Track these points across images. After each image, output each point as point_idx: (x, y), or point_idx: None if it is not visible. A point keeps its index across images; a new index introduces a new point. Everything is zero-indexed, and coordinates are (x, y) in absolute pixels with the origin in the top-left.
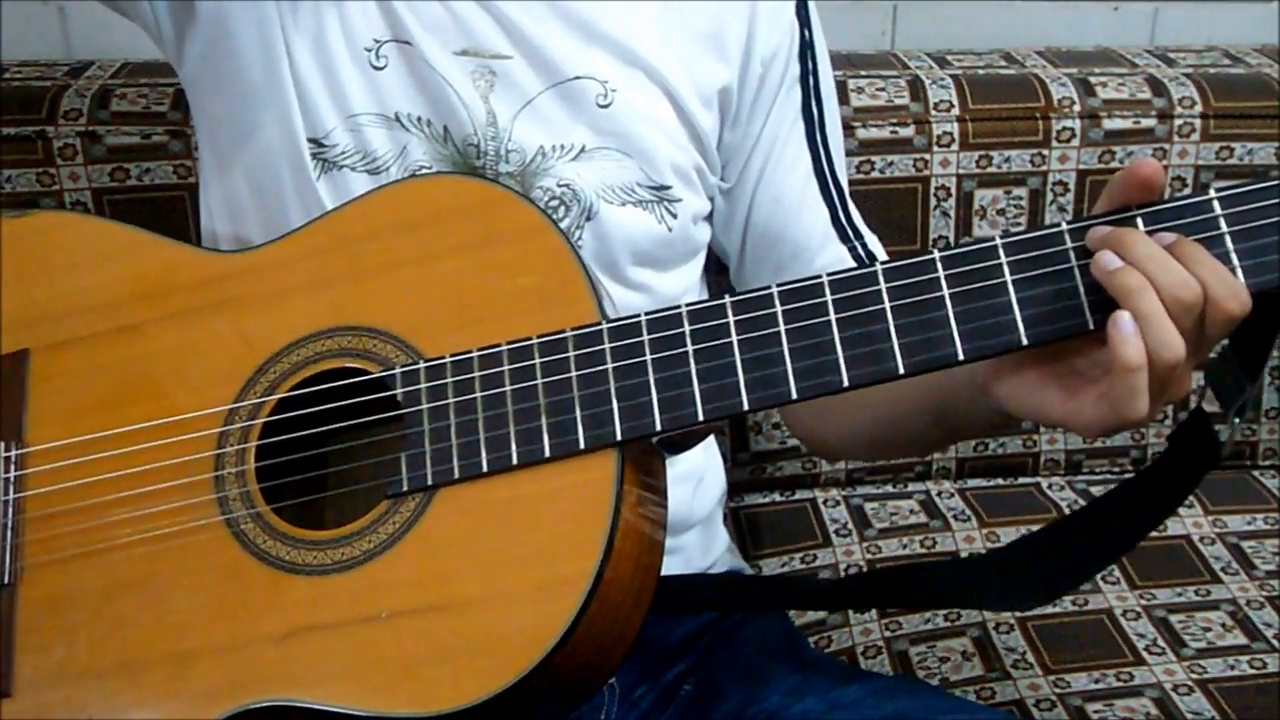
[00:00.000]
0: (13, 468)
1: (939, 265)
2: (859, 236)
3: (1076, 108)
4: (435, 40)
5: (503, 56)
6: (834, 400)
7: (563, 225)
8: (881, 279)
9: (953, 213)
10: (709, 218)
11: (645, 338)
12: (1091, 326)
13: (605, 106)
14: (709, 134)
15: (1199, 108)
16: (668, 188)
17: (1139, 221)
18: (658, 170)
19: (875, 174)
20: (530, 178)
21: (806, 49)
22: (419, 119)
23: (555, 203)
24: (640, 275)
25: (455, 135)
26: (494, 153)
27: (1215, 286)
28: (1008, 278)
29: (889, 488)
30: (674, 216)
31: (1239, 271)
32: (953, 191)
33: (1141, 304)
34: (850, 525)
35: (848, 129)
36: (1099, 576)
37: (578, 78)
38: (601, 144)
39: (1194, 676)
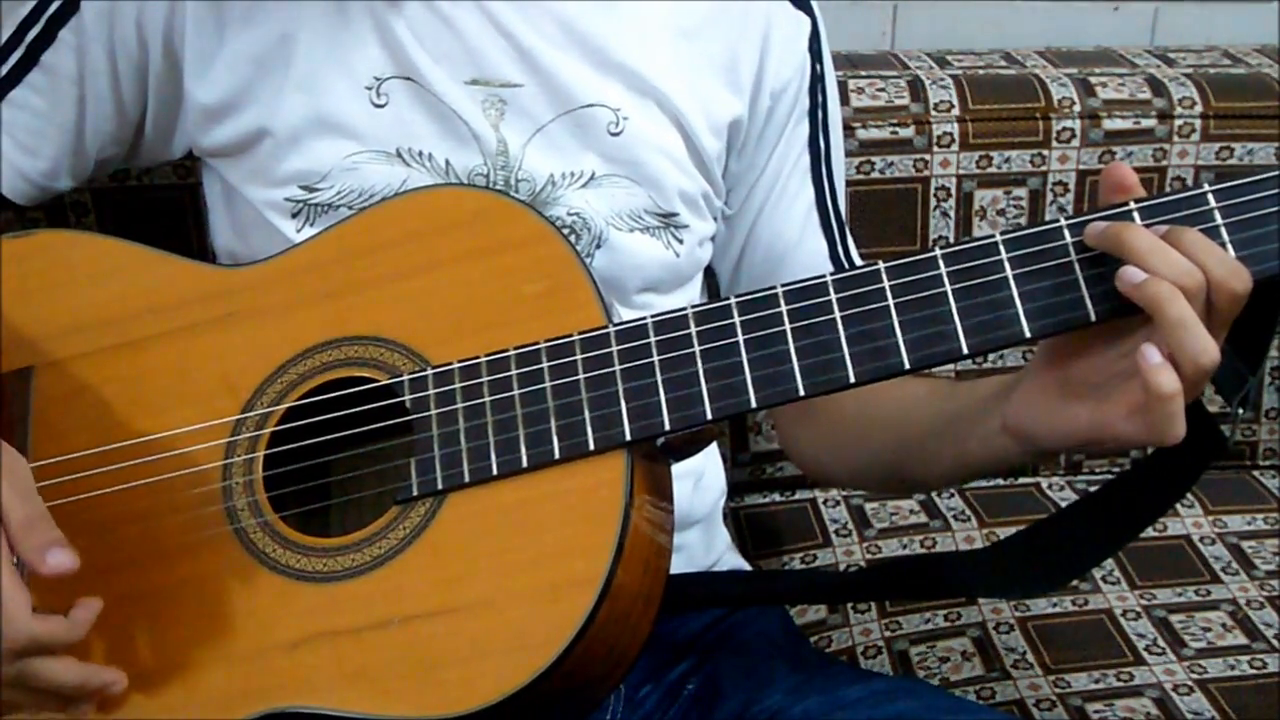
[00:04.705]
0: None
1: (941, 262)
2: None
3: (1076, 108)
4: (443, 71)
5: (513, 84)
6: (847, 431)
7: None
8: (885, 276)
9: (953, 213)
10: (712, 238)
11: (652, 339)
12: (1093, 318)
13: (616, 134)
14: (717, 162)
15: (1199, 108)
16: (675, 215)
17: (1135, 216)
18: (666, 198)
19: (875, 174)
20: (540, 207)
21: (817, 82)
22: (420, 153)
23: (566, 231)
24: (645, 299)
25: (459, 167)
26: (503, 182)
27: (1215, 269)
28: (1009, 272)
29: None
30: (680, 242)
31: None
32: (953, 192)
33: (1174, 311)
34: (850, 525)
35: (848, 129)
36: (1099, 576)
37: (590, 105)
38: (611, 171)
39: (1194, 676)
